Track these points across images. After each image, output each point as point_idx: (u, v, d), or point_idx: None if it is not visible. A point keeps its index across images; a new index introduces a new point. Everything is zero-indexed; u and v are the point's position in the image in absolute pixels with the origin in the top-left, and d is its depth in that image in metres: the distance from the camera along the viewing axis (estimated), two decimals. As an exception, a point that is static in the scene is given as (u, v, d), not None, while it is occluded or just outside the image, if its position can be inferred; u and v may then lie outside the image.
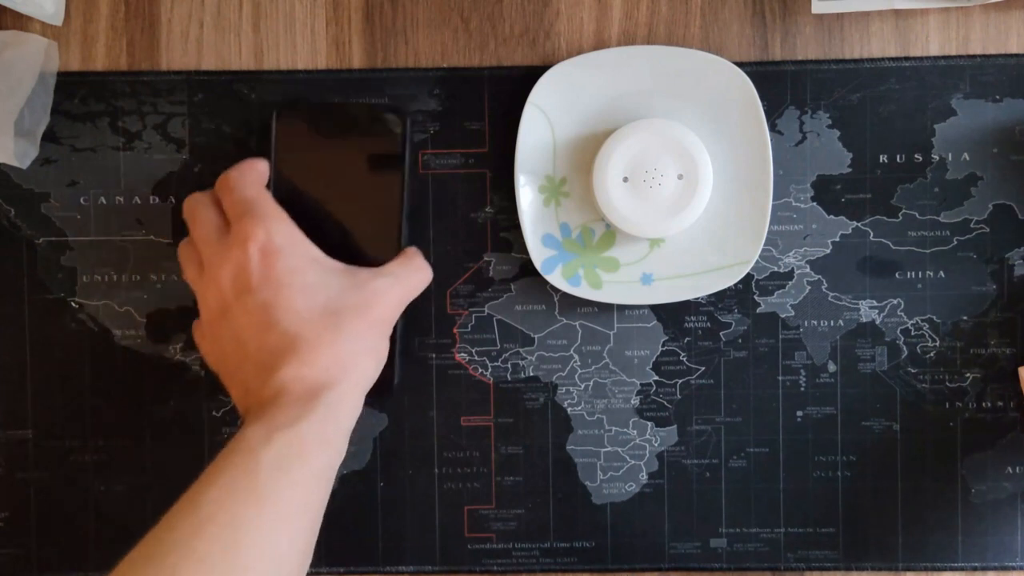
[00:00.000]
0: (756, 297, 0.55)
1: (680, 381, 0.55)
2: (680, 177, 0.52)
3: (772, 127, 0.54)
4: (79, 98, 0.55)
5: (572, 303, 0.55)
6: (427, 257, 0.53)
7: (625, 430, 0.55)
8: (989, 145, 0.54)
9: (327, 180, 0.53)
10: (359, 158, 0.53)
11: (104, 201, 0.55)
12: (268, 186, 0.52)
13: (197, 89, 0.55)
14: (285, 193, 0.52)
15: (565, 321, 0.55)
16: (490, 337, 0.55)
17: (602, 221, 0.54)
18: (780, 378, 0.55)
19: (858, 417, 0.55)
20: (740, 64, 0.53)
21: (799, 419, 0.55)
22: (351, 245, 0.52)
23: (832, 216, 0.55)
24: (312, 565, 0.49)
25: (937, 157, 0.54)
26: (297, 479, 0.44)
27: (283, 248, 0.48)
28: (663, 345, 0.55)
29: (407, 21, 0.55)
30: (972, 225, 0.54)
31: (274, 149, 0.53)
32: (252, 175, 0.51)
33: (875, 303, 0.55)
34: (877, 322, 0.55)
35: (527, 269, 0.55)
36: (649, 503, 0.55)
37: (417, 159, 0.55)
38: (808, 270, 0.55)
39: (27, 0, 0.52)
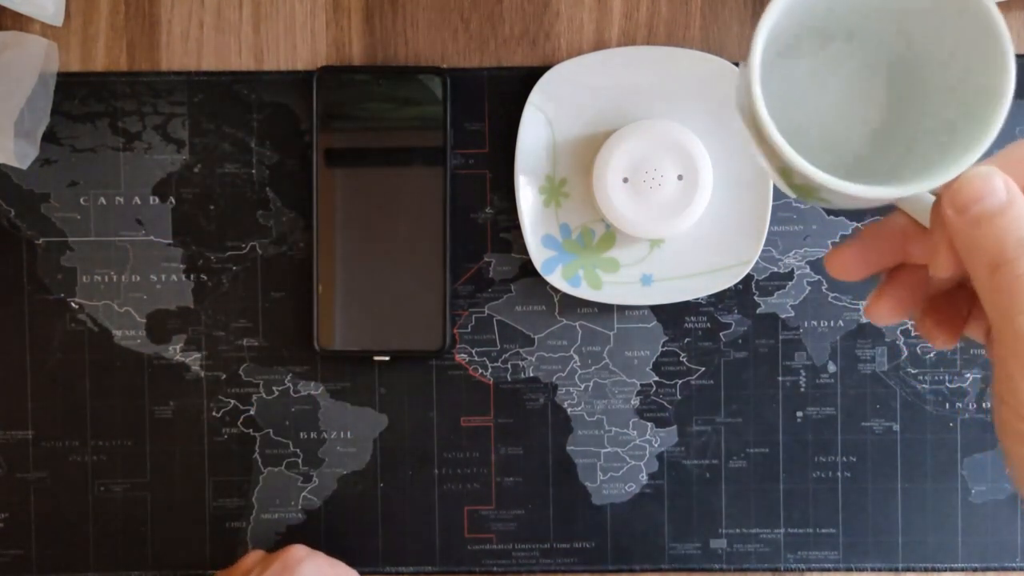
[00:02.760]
0: (756, 297, 0.55)
1: (680, 382, 0.55)
2: (680, 177, 0.52)
3: (772, 127, 0.54)
4: (79, 99, 0.55)
5: (572, 304, 0.55)
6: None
7: (625, 431, 0.55)
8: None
9: (368, 140, 0.54)
10: (400, 118, 0.53)
11: (104, 201, 0.55)
12: (309, 151, 0.53)
13: (197, 89, 0.55)
14: (326, 154, 0.53)
15: (565, 322, 0.55)
16: (490, 338, 0.55)
17: (602, 222, 0.54)
18: (780, 379, 0.55)
19: (858, 418, 0.55)
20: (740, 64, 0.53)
21: (799, 419, 0.55)
22: (395, 206, 0.53)
23: (832, 216, 0.55)
24: (312, 565, 0.49)
25: (937, 157, 0.54)
26: None
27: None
28: (663, 346, 0.55)
29: (407, 21, 0.55)
30: (972, 225, 0.54)
31: (315, 111, 0.53)
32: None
33: (875, 303, 0.55)
34: (877, 322, 0.55)
35: (527, 270, 0.55)
36: (649, 504, 0.55)
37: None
38: (808, 271, 0.55)
39: (27, 0, 0.52)
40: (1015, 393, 0.28)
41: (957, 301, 0.31)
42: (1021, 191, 0.27)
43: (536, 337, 0.55)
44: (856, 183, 0.28)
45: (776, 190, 0.53)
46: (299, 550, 0.51)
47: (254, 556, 0.52)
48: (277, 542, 0.55)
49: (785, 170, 0.30)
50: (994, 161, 0.29)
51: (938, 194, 0.29)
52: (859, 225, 0.54)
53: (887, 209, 0.31)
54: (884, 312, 0.32)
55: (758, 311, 0.55)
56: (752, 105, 0.29)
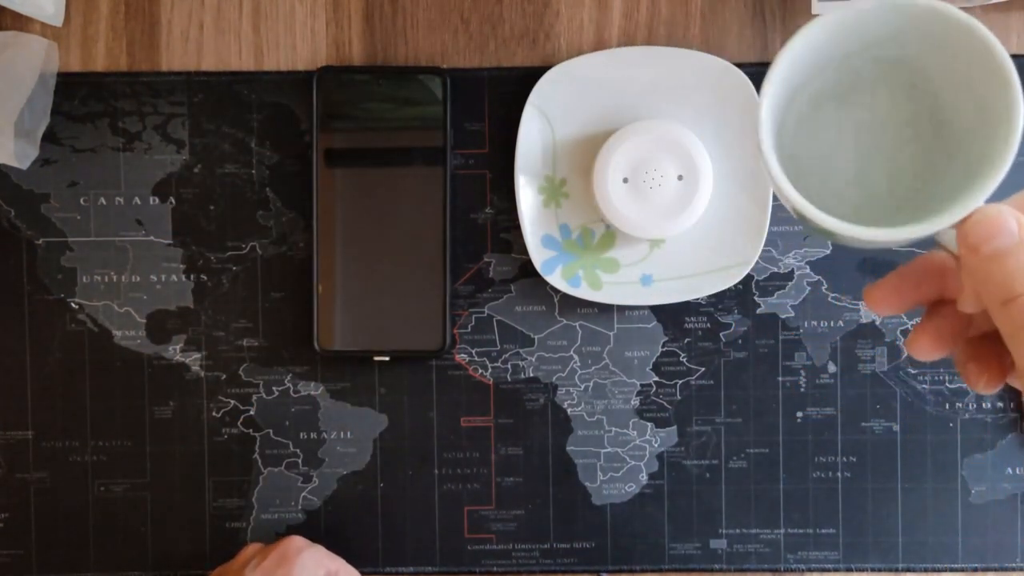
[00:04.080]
0: (756, 298, 0.55)
1: (680, 382, 0.55)
2: (680, 178, 0.52)
3: (772, 128, 0.54)
4: (79, 99, 0.55)
5: (572, 304, 0.55)
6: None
7: (625, 431, 0.55)
8: (989, 146, 0.54)
9: (368, 140, 0.54)
10: (400, 118, 0.53)
11: (104, 201, 0.55)
12: (309, 151, 0.54)
13: (197, 89, 0.55)
14: (326, 154, 0.53)
15: (565, 322, 0.55)
16: (490, 338, 0.55)
17: (602, 222, 0.54)
18: (780, 379, 0.55)
19: (858, 418, 0.55)
20: (740, 64, 0.53)
21: (799, 420, 0.55)
22: (395, 206, 0.53)
23: (832, 217, 0.55)
24: (312, 566, 0.49)
25: (937, 158, 0.54)
26: None
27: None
28: (663, 346, 0.55)
29: (407, 21, 0.55)
30: (972, 226, 0.54)
31: (315, 111, 0.53)
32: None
33: (875, 304, 0.55)
34: (877, 323, 0.55)
35: (527, 270, 0.55)
36: (649, 504, 0.55)
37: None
38: (808, 271, 0.55)
39: (27, 0, 0.52)
40: None
41: (1000, 346, 0.31)
42: None
43: (536, 337, 0.55)
44: (867, 227, 0.29)
45: (776, 190, 0.53)
46: (297, 540, 0.52)
47: (252, 548, 0.52)
48: (277, 542, 0.56)
49: (800, 215, 0.31)
50: (1015, 200, 0.30)
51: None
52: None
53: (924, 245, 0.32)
54: (925, 346, 0.32)
55: (758, 311, 0.55)
56: (761, 153, 0.31)
